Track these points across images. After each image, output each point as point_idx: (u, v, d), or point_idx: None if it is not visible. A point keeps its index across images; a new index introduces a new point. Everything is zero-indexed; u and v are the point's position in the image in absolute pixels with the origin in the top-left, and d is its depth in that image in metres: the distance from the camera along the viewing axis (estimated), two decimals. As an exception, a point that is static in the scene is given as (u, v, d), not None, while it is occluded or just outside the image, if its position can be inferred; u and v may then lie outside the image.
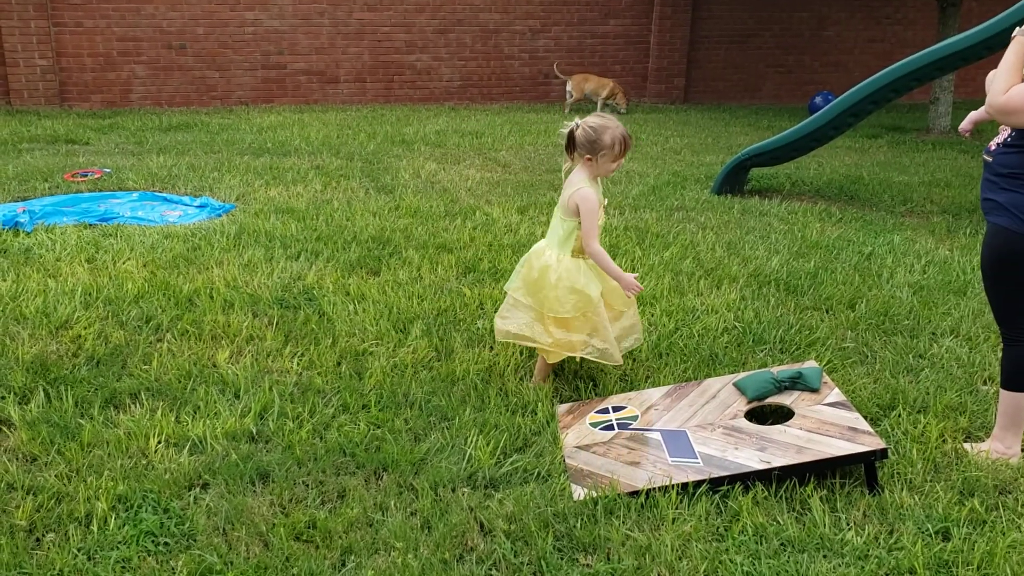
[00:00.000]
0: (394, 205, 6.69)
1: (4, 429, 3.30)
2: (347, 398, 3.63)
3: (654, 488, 3.02)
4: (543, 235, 5.86)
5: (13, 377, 3.63)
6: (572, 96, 12.17)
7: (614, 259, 5.03)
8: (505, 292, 3.92)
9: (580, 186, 3.63)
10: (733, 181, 7.53)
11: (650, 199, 7.15)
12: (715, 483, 3.04)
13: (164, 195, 6.76)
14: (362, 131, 10.02)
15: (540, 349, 3.77)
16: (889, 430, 3.47)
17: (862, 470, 3.11)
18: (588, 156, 3.63)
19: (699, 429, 3.36)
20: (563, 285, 3.67)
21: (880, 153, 9.91)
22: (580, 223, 3.65)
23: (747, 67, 13.79)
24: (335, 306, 4.58)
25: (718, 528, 2.85)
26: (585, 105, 12.18)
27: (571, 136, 3.64)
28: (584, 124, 3.62)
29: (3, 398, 3.49)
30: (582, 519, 2.86)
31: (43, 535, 2.70)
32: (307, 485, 3.02)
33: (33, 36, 10.98)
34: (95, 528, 2.71)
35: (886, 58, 13.48)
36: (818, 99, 12.27)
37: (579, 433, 3.44)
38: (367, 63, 12.38)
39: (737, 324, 4.48)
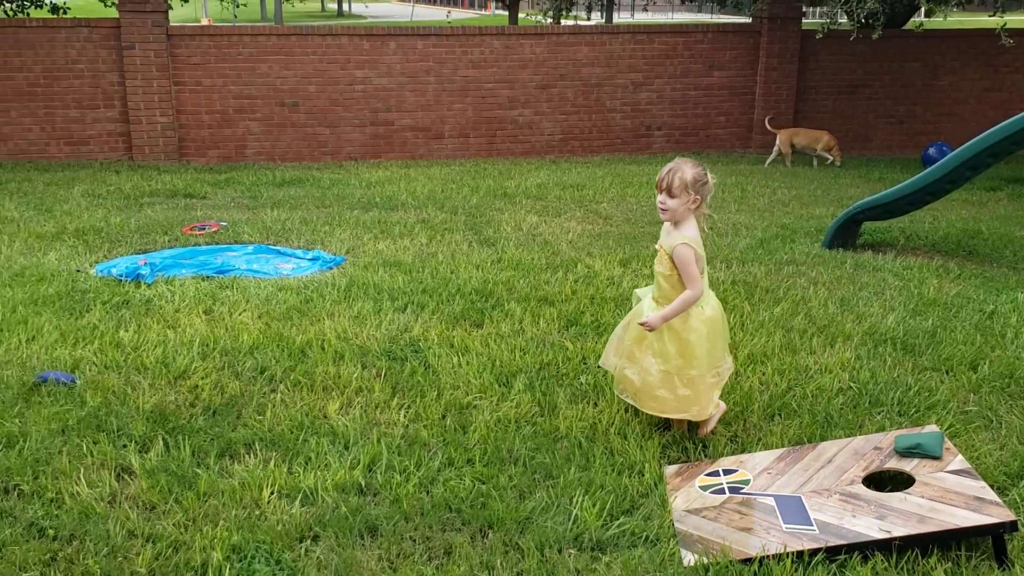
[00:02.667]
0: (496, 258, 6.75)
1: (125, 477, 3.42)
2: (452, 452, 3.64)
3: (768, 556, 2.91)
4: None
5: (134, 426, 3.77)
6: (779, 151, 12.18)
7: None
8: None
9: None
10: (845, 235, 7.33)
11: (758, 252, 7.02)
12: (832, 552, 2.92)
13: (278, 248, 6.99)
14: (465, 185, 10.19)
15: None
16: (1019, 501, 3.26)
17: (989, 542, 2.93)
18: None
19: (814, 495, 3.23)
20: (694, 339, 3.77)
21: (1000, 206, 9.50)
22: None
23: (856, 118, 13.50)
24: (440, 358, 4.62)
25: (837, 601, 2.72)
26: (794, 160, 12.11)
27: None
28: None
29: (125, 446, 3.62)
30: (693, 587, 2.77)
31: (161, 583, 2.77)
32: (414, 540, 3.03)
33: (155, 95, 11.60)
34: (210, 577, 2.77)
35: (1004, 108, 12.99)
36: (932, 150, 11.88)
37: (688, 496, 3.35)
38: (471, 118, 12.63)
39: (852, 385, 4.32)
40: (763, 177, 11.14)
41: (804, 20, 13.51)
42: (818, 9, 15.60)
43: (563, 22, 17.36)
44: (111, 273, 6.08)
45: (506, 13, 19.16)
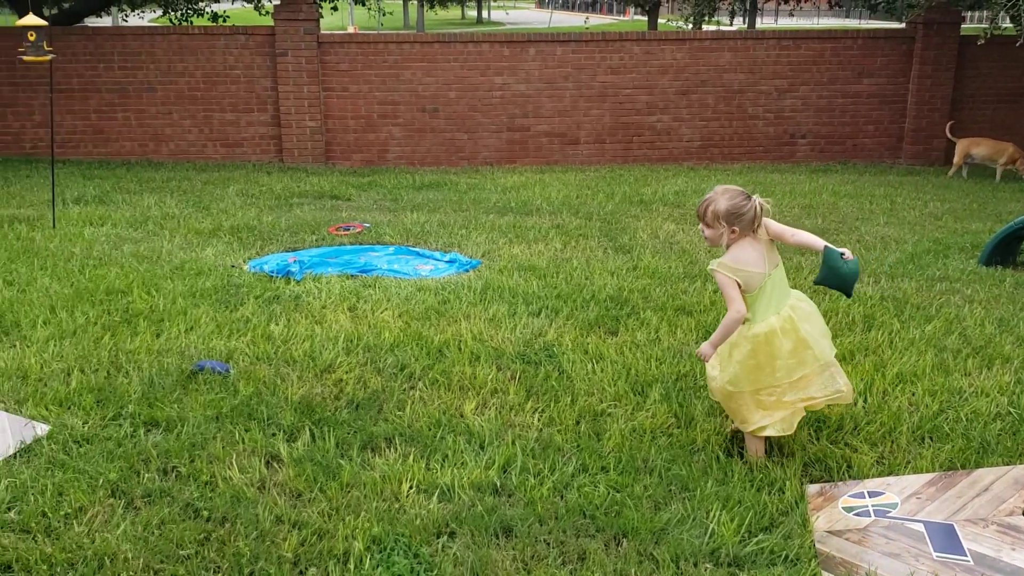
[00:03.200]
0: (632, 265, 6.70)
1: (274, 464, 3.57)
2: (586, 459, 3.63)
3: (917, 585, 2.78)
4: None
5: (283, 416, 3.93)
6: (958, 160, 11.74)
7: (869, 330, 4.74)
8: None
9: None
10: (1004, 252, 6.92)
11: (908, 267, 6.71)
12: (988, 586, 2.76)
13: (417, 250, 7.16)
14: (601, 191, 10.17)
15: None
16: None
17: None
18: None
19: (969, 524, 3.06)
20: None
21: None
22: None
23: (1018, 128, 12.72)
24: (574, 364, 4.63)
25: (993, 638, 2.57)
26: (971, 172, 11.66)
27: None
28: None
29: (274, 435, 3.79)
30: (836, 611, 2.67)
31: (306, 569, 2.88)
32: (548, 544, 3.04)
33: (305, 100, 12.10)
34: (352, 567, 2.86)
35: None
36: (1103, 162, 11.08)
37: (831, 517, 3.24)
38: (607, 124, 12.60)
39: (1012, 410, 4.07)
40: (914, 189, 10.65)
41: (962, 25, 12.84)
42: (978, 14, 14.81)
43: (704, 27, 17.12)
44: (263, 269, 6.38)
45: (645, 18, 19.00)
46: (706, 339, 4.95)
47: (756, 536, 3.10)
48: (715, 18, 18.54)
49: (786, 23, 42.86)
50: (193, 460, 3.56)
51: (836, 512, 3.27)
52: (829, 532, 3.15)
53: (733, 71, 12.47)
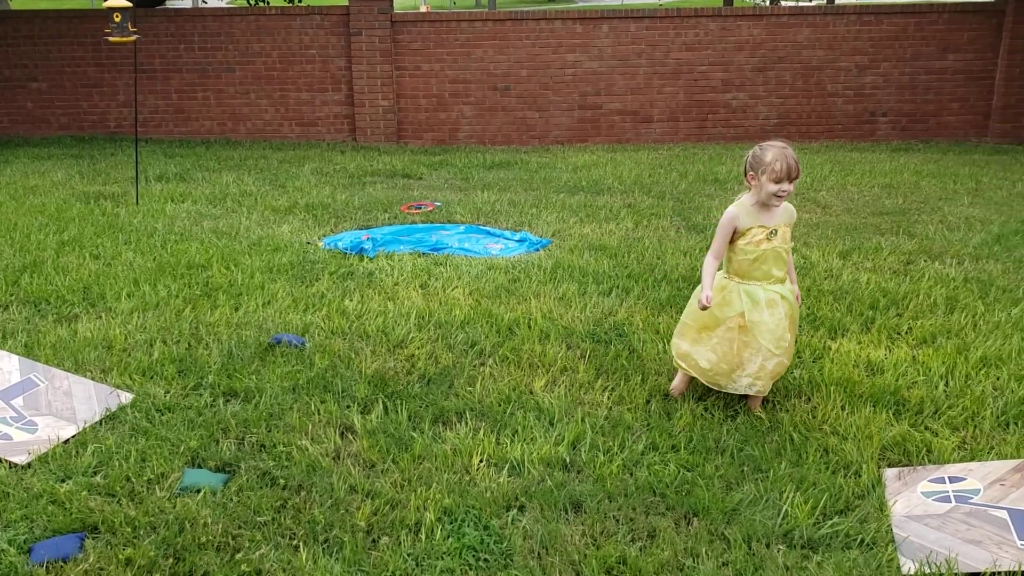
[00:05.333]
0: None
1: (348, 435, 3.64)
2: (656, 437, 3.61)
3: (999, 572, 2.70)
4: (866, 283, 5.53)
5: (358, 389, 4.00)
6: None
7: (951, 313, 4.62)
8: None
9: (730, 206, 3.77)
10: (1097, 232, 6.63)
11: (994, 249, 6.48)
12: (1075, 577, 2.66)
13: (487, 228, 7.18)
14: (674, 170, 10.04)
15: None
16: None
17: None
18: (751, 175, 3.64)
19: (1056, 513, 2.96)
20: (693, 296, 3.87)
21: None
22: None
23: (1114, 104, 12.15)
24: (645, 344, 4.60)
25: (1080, 630, 2.49)
26: None
27: (745, 160, 3.72)
28: (757, 146, 3.69)
29: (348, 407, 3.85)
30: (913, 597, 2.61)
31: (378, 538, 2.93)
32: (617, 520, 3.03)
33: (378, 79, 12.19)
34: (423, 537, 2.90)
35: None
36: None
37: (909, 502, 3.16)
38: (681, 102, 12.41)
39: (1104, 396, 3.91)
40: (1001, 168, 10.26)
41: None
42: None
43: (783, 3, 16.70)
44: (337, 246, 6.48)
45: (721, -5, 18.65)
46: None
47: (831, 519, 3.04)
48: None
49: (867, -2, 41.58)
50: (270, 430, 3.64)
51: (915, 497, 3.19)
52: (907, 517, 3.07)
53: (812, 47, 12.15)
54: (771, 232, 3.71)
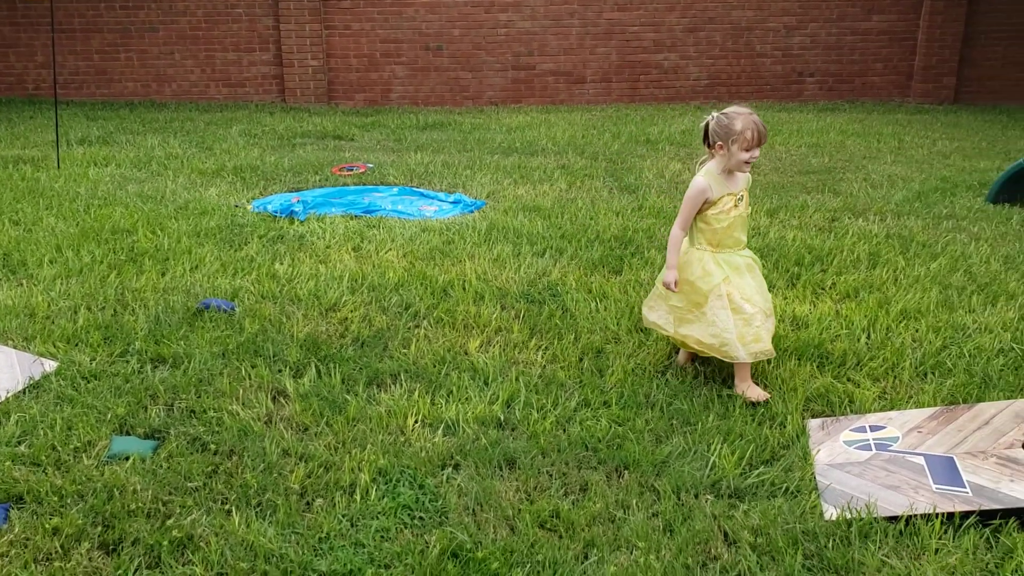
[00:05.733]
0: (637, 205, 6.67)
1: (280, 399, 3.61)
2: (588, 394, 3.66)
3: (915, 515, 2.82)
4: (792, 240, 5.65)
5: (289, 352, 3.96)
6: None
7: (874, 268, 4.74)
8: None
9: (696, 175, 3.66)
10: (1012, 190, 6.87)
11: (915, 205, 6.67)
12: (985, 516, 2.79)
13: (421, 190, 7.13)
14: (607, 131, 10.08)
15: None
16: None
17: None
18: (720, 144, 3.59)
19: (968, 457, 3.09)
20: (682, 276, 3.71)
21: None
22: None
23: (1031, 65, 12.54)
24: (578, 303, 4.64)
25: (987, 564, 2.62)
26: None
27: (706, 128, 3.65)
28: (719, 114, 3.62)
29: (280, 371, 3.82)
30: (834, 540, 2.71)
31: (313, 499, 2.92)
32: (551, 475, 3.08)
33: (307, 39, 11.95)
34: (358, 497, 2.91)
35: None
36: (1116, 100, 10.93)
37: (832, 450, 3.27)
38: (614, 63, 12.44)
39: (1015, 346, 4.08)
40: (922, 127, 10.54)
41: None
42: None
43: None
44: (267, 209, 6.37)
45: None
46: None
47: (757, 469, 3.13)
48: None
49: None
50: (200, 396, 3.59)
51: (837, 446, 3.30)
52: (830, 465, 3.18)
53: (741, 8, 12.26)
54: (739, 198, 3.68)
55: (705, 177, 3.64)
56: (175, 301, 4.55)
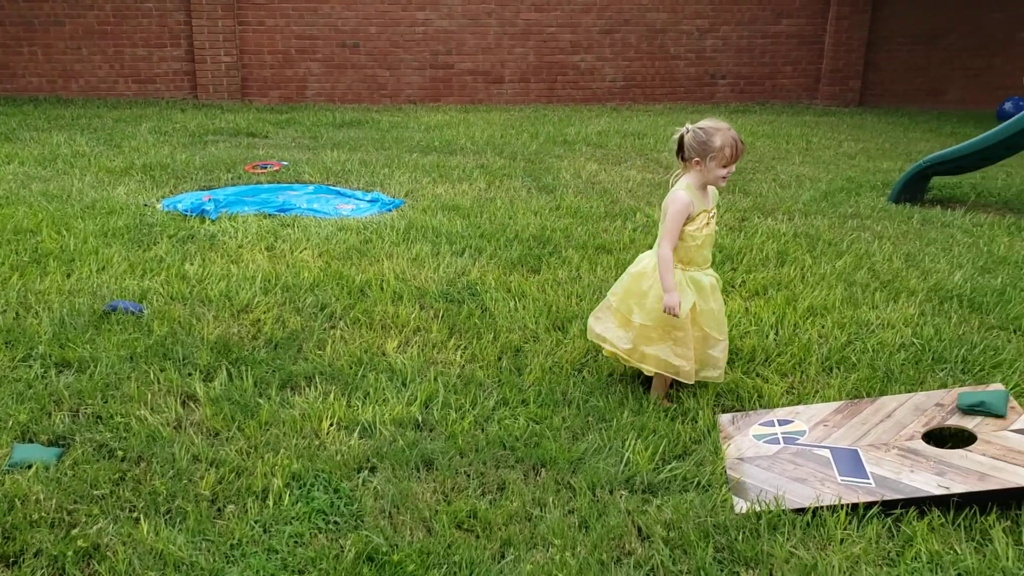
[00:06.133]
0: (555, 205, 6.72)
1: (190, 404, 3.52)
2: (507, 392, 3.67)
3: (821, 506, 2.91)
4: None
5: (199, 355, 3.87)
6: None
7: (782, 266, 4.86)
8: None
9: (677, 190, 3.52)
10: (913, 189, 7.15)
11: (822, 205, 6.89)
12: (888, 506, 2.90)
13: (338, 189, 7.05)
14: (525, 131, 10.13)
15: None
16: (1086, 463, 3.19)
17: (1053, 503, 2.88)
18: (697, 160, 3.48)
19: (872, 449, 3.20)
20: (653, 294, 3.56)
21: (1078, 163, 9.16)
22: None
23: (931, 70, 13.06)
24: (497, 302, 4.65)
25: (889, 552, 2.71)
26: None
27: (681, 141, 3.52)
28: (695, 127, 3.49)
29: (190, 375, 3.73)
30: (744, 532, 2.78)
31: (224, 506, 2.86)
32: (468, 475, 3.08)
33: (220, 34, 11.69)
34: (271, 503, 2.86)
35: (1089, 61, 12.46)
36: (1008, 105, 11.48)
37: (742, 445, 3.35)
38: (532, 63, 12.50)
39: (915, 340, 4.25)
40: (829, 129, 10.88)
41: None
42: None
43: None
44: (177, 208, 6.21)
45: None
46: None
47: (670, 464, 3.19)
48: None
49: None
50: (107, 401, 3.48)
51: (747, 440, 3.38)
52: (740, 459, 3.26)
53: (655, 10, 12.46)
54: (711, 215, 3.61)
55: (687, 192, 3.49)
56: (81, 303, 4.40)
